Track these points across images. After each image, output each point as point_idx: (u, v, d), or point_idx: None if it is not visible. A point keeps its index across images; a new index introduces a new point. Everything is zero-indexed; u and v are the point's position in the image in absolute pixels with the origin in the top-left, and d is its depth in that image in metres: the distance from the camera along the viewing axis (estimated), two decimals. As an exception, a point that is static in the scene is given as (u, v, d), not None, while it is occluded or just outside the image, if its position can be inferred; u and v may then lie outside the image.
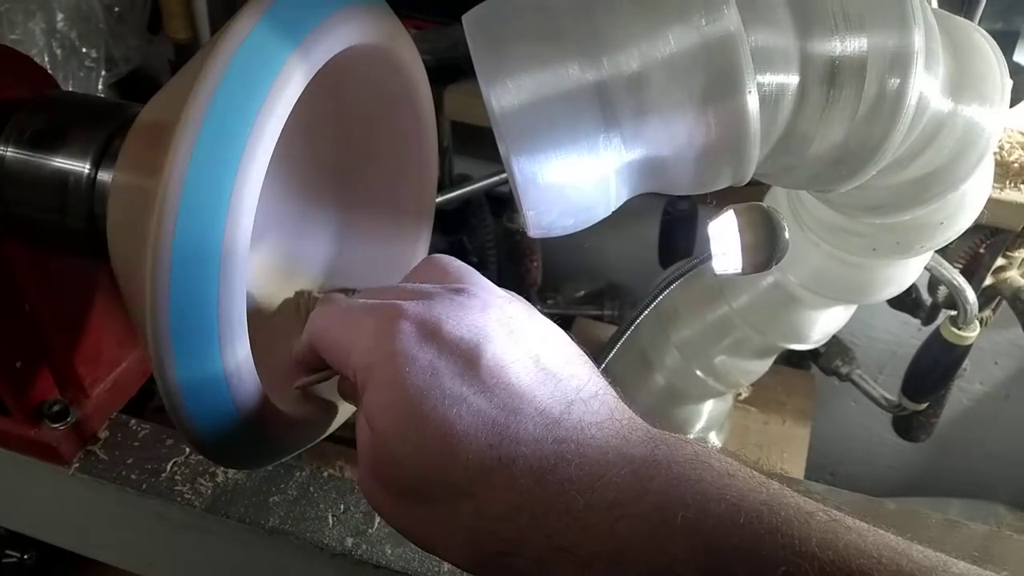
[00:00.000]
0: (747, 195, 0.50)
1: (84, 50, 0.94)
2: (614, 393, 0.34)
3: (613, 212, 0.41)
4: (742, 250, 0.40)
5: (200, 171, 0.31)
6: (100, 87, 0.98)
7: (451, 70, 0.96)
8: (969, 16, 0.67)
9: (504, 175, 0.86)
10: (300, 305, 0.47)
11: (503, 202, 1.01)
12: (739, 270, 0.40)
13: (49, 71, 0.50)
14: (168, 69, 1.13)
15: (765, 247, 0.40)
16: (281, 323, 0.45)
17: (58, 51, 0.91)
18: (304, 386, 0.38)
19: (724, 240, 0.41)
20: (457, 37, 0.96)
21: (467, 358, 0.32)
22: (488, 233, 1.05)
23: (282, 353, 0.39)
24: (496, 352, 0.32)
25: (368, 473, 0.32)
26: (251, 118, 0.32)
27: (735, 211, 0.41)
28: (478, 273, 0.38)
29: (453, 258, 0.39)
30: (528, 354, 0.33)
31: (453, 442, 0.30)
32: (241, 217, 0.32)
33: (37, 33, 0.90)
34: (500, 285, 0.37)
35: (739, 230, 0.40)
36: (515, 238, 1.00)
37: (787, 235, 0.40)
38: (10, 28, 0.89)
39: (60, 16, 0.92)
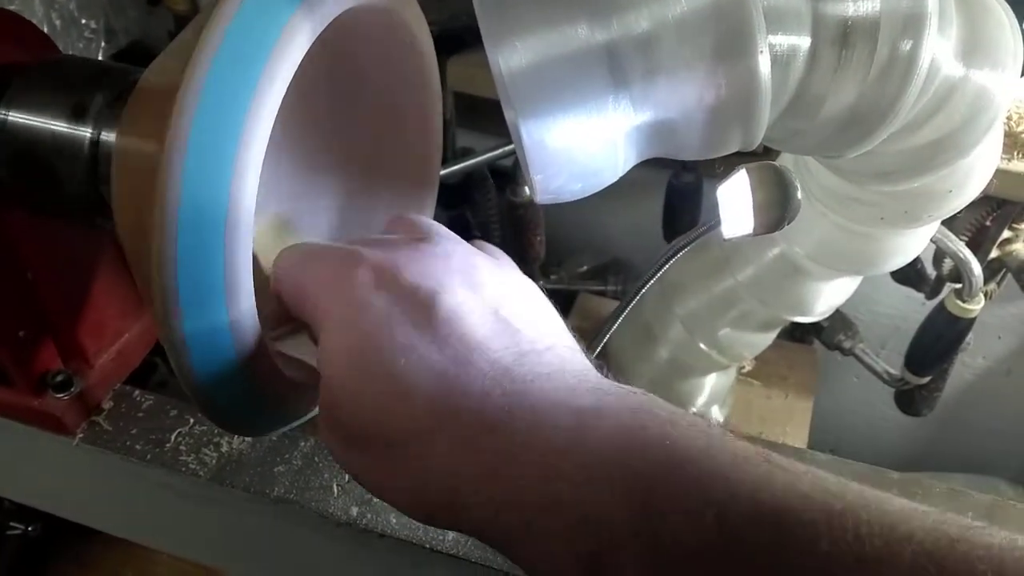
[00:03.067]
0: (750, 161, 0.50)
1: (83, 21, 0.93)
2: (572, 344, 0.33)
3: (616, 186, 0.41)
4: (754, 209, 0.40)
5: (204, 132, 0.30)
6: (100, 58, 0.98)
7: (453, 41, 0.95)
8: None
9: (508, 148, 0.86)
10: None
11: (506, 176, 1.00)
12: (750, 231, 0.40)
13: (49, 38, 0.49)
14: (168, 41, 1.12)
15: (777, 205, 0.39)
16: None
17: (57, 22, 0.90)
18: (275, 338, 0.38)
19: (734, 202, 0.41)
20: (458, 7, 0.95)
21: (422, 306, 0.31)
22: (491, 207, 1.05)
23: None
24: (453, 301, 0.32)
25: (323, 421, 0.32)
26: (255, 78, 0.31)
27: (747, 170, 0.40)
28: (446, 228, 0.38)
29: (422, 217, 0.39)
30: (486, 304, 0.32)
31: (400, 392, 0.30)
32: (246, 178, 0.31)
33: (36, 3, 0.89)
34: None
35: (751, 189, 0.39)
36: (519, 212, 1.00)
37: (800, 194, 0.40)
38: (8, -1, 0.88)
39: (59, -13, 0.91)
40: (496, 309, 0.32)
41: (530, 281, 0.36)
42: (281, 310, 0.36)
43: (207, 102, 0.30)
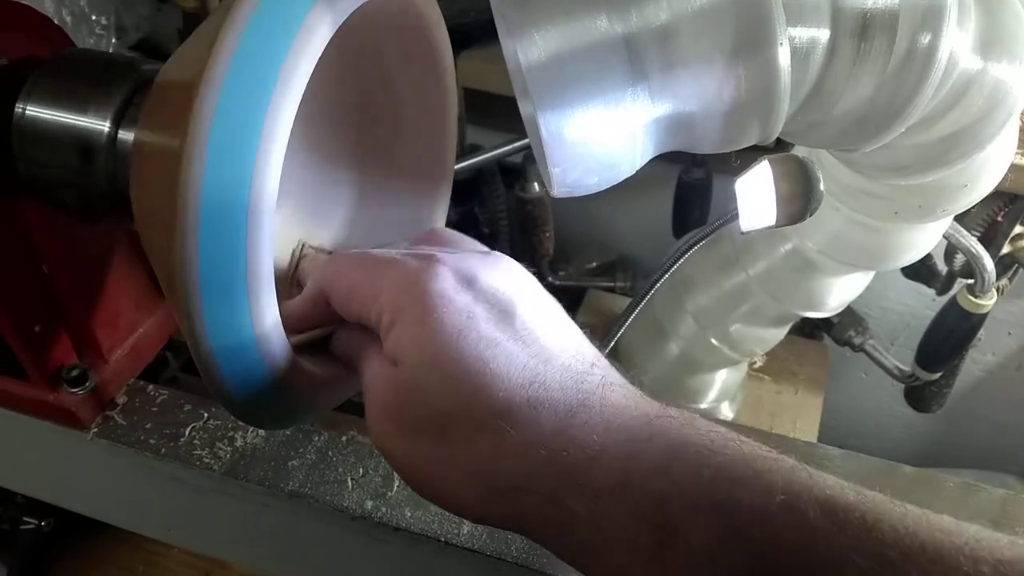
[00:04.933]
0: (764, 156, 0.50)
1: (94, 17, 0.93)
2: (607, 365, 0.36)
3: (625, 182, 0.41)
4: (777, 201, 0.40)
5: (225, 127, 0.30)
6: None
7: (463, 37, 0.95)
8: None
9: (517, 144, 0.86)
10: (293, 256, 0.46)
11: (515, 172, 1.00)
12: (772, 223, 0.40)
13: (60, 35, 0.49)
14: (177, 38, 1.12)
15: (801, 197, 0.39)
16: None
17: (68, 18, 0.90)
18: (297, 344, 0.38)
19: (755, 194, 0.41)
20: (468, 3, 0.95)
21: (503, 308, 0.33)
22: (500, 204, 1.05)
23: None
24: (529, 310, 0.34)
25: (383, 412, 0.33)
26: (276, 72, 0.31)
27: (770, 161, 0.40)
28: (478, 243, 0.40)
29: (455, 231, 0.40)
30: (552, 318, 0.35)
31: (486, 379, 0.31)
32: (268, 173, 0.31)
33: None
34: (512, 256, 0.38)
35: (775, 180, 0.39)
36: (527, 208, 1.00)
37: (822, 186, 0.39)
38: (19, -5, 0.88)
39: (69, -17, 0.92)
40: (557, 323, 0.35)
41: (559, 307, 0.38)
42: (309, 314, 0.36)
43: (228, 96, 0.30)
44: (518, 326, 0.33)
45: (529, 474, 0.30)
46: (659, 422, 0.31)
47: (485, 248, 0.39)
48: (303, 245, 0.46)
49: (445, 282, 0.33)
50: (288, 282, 0.45)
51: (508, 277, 0.35)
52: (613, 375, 0.33)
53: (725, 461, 0.29)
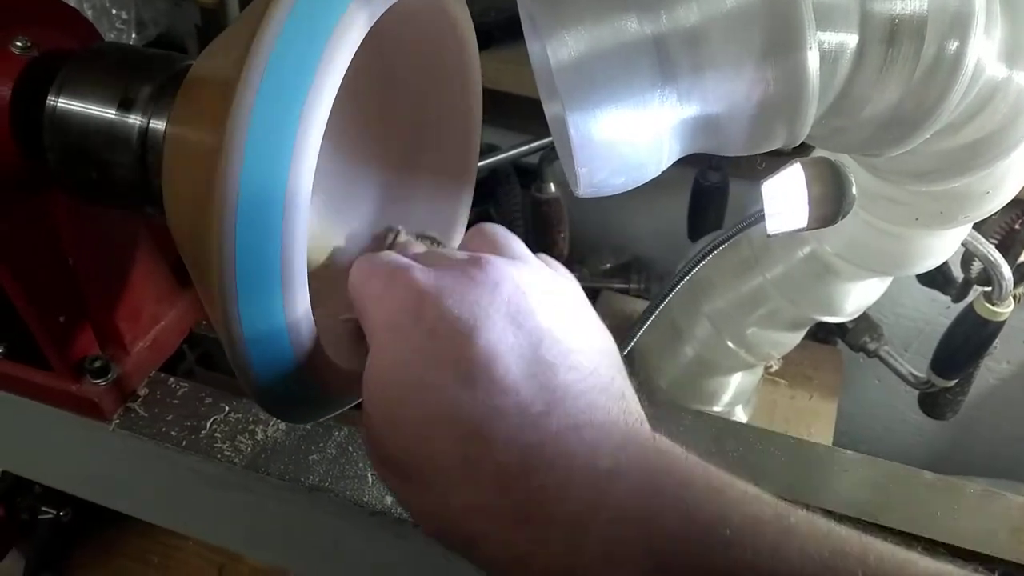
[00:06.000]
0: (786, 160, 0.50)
1: (114, 12, 0.94)
2: (614, 386, 0.32)
3: (642, 185, 0.41)
4: (809, 203, 0.40)
5: (263, 123, 0.31)
6: (133, 49, 0.99)
7: (482, 36, 0.95)
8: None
9: (533, 145, 0.86)
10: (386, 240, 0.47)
11: (531, 173, 1.01)
12: (803, 225, 0.40)
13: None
14: (195, 33, 1.13)
15: (833, 199, 0.39)
16: (327, 275, 0.45)
17: (89, 12, 0.91)
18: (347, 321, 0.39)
19: (785, 196, 0.41)
20: (488, 3, 0.95)
21: (459, 342, 0.30)
22: (515, 204, 1.05)
23: (329, 305, 0.39)
24: (490, 339, 0.31)
25: (364, 431, 0.33)
26: (312, 71, 0.32)
27: (801, 163, 0.40)
28: (517, 244, 0.37)
29: (499, 228, 0.38)
30: (527, 342, 0.31)
31: (426, 431, 0.30)
32: (303, 168, 0.32)
33: (69, -6, 0.90)
34: None
35: (807, 183, 0.39)
36: (543, 209, 1.00)
37: (854, 189, 0.40)
38: (42, -11, 0.89)
39: (91, -22, 0.92)
40: (537, 345, 0.31)
41: (586, 304, 0.36)
42: None
43: (266, 93, 0.31)
44: (471, 364, 0.30)
45: (472, 537, 0.29)
46: (606, 486, 0.28)
47: (512, 248, 0.37)
48: (398, 231, 0.47)
49: (405, 313, 0.32)
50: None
51: (478, 295, 0.32)
52: (581, 405, 0.30)
53: (670, 540, 0.27)
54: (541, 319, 0.32)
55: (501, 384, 0.30)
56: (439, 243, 0.48)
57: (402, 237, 0.47)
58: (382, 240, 0.47)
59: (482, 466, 0.29)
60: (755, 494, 0.28)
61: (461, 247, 0.39)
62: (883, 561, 0.25)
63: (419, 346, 0.31)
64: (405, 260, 0.35)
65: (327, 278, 0.44)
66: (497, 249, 0.37)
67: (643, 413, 0.32)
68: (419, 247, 0.45)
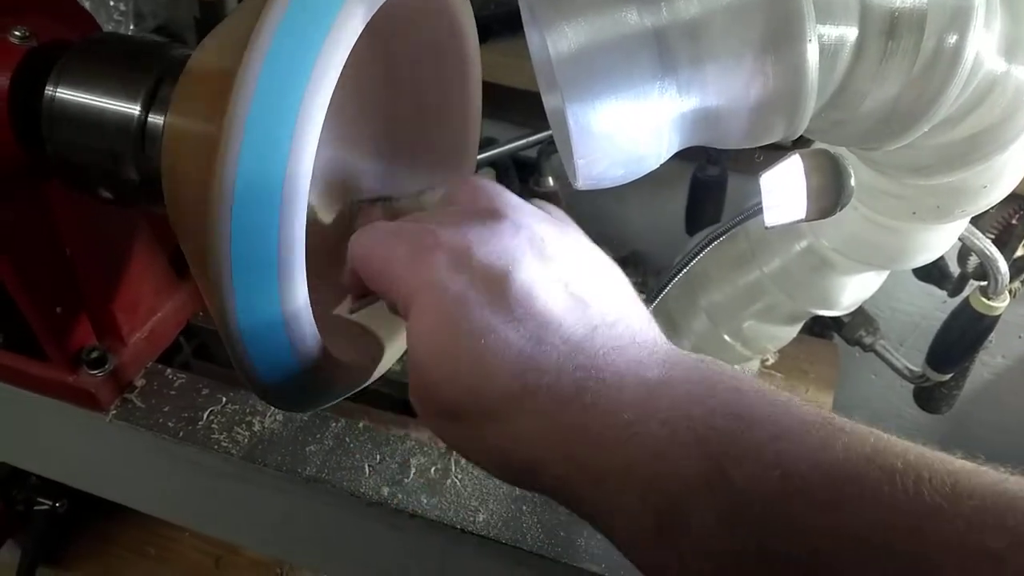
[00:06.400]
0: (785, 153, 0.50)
1: (112, 3, 0.94)
2: (641, 314, 0.35)
3: (639, 179, 0.41)
4: (808, 195, 0.40)
5: (262, 115, 0.31)
6: (131, 40, 0.99)
7: (481, 30, 0.95)
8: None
9: (532, 138, 0.86)
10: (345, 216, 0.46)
11: (530, 166, 1.00)
12: (802, 217, 0.40)
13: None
14: (193, 26, 1.12)
15: (832, 191, 0.40)
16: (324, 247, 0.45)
17: (87, 3, 0.91)
18: (355, 310, 0.39)
19: (782, 188, 0.41)
20: (488, -4, 0.95)
21: (497, 285, 0.32)
22: (513, 197, 1.05)
23: (322, 291, 0.39)
24: (525, 278, 0.33)
25: (413, 392, 0.34)
26: (311, 62, 0.32)
27: (801, 155, 0.40)
28: (511, 193, 0.38)
29: (488, 180, 0.39)
30: (558, 278, 0.34)
31: (482, 372, 0.31)
32: (302, 160, 0.32)
33: (66, -15, 0.90)
34: None
35: (806, 174, 0.39)
36: (541, 202, 1.00)
37: (853, 180, 0.40)
38: (39, -20, 0.89)
39: (89, -32, 0.92)
40: (567, 283, 0.33)
41: (594, 247, 0.38)
42: (357, 283, 0.37)
43: (265, 85, 0.31)
44: (512, 303, 0.32)
45: (534, 459, 0.31)
46: (657, 393, 0.30)
47: (506, 199, 0.38)
48: (353, 202, 0.46)
49: (440, 268, 0.33)
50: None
51: (505, 242, 0.34)
52: (619, 330, 0.32)
53: (721, 436, 0.28)
54: (564, 258, 0.35)
55: (544, 316, 0.32)
56: (394, 199, 0.47)
57: (397, 203, 0.46)
58: (372, 211, 0.47)
59: (538, 392, 0.31)
60: (802, 402, 0.30)
61: (450, 199, 0.39)
62: (923, 455, 0.27)
63: (461, 297, 0.32)
64: (415, 223, 0.36)
65: (324, 266, 0.44)
66: (492, 200, 0.37)
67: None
68: (379, 211, 0.45)
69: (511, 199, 0.37)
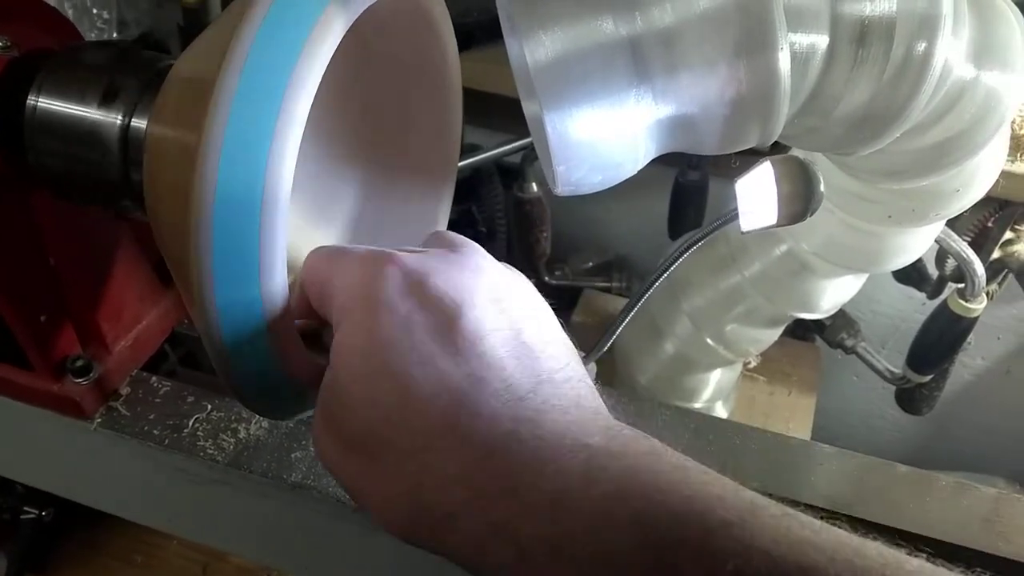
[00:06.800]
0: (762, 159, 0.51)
1: (95, 11, 0.94)
2: (588, 382, 0.33)
3: (621, 183, 0.42)
4: (778, 201, 0.41)
5: (241, 123, 0.31)
6: (115, 48, 0.99)
7: (463, 37, 0.96)
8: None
9: (515, 144, 0.87)
10: None
11: (513, 172, 1.01)
12: (773, 223, 0.41)
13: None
14: (177, 33, 1.12)
15: (802, 197, 0.40)
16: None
17: (70, 11, 0.91)
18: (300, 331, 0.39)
19: (756, 194, 0.42)
20: (469, 4, 0.96)
21: (447, 317, 0.31)
22: (498, 203, 1.05)
23: None
24: (477, 317, 0.31)
25: (321, 417, 0.32)
26: (289, 71, 0.32)
27: (771, 162, 0.41)
28: (478, 246, 0.37)
29: (457, 234, 0.38)
30: (510, 326, 0.32)
31: (409, 401, 0.29)
32: (282, 168, 0.32)
33: (49, -6, 0.90)
34: (509, 256, 0.37)
35: (776, 180, 0.40)
36: (525, 208, 1.01)
37: (822, 187, 0.41)
38: (21, -12, 0.89)
39: (72, -23, 0.92)
40: (519, 331, 0.32)
41: (547, 306, 0.36)
42: (301, 308, 0.37)
43: (244, 93, 0.31)
44: (458, 339, 0.30)
45: (450, 513, 0.29)
46: (598, 462, 0.28)
47: (473, 247, 0.37)
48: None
49: (390, 287, 0.31)
50: None
51: (464, 277, 0.32)
52: (565, 390, 0.31)
53: (667, 517, 0.26)
54: (520, 308, 0.33)
55: (489, 359, 0.30)
56: None
57: None
58: None
59: (468, 435, 0.29)
60: (747, 489, 0.28)
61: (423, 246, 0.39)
62: (880, 552, 0.26)
63: (406, 320, 0.31)
64: (380, 248, 0.35)
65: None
66: (460, 245, 0.37)
67: None
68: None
69: (479, 249, 0.37)
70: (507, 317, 0.32)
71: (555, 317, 0.36)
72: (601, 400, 0.32)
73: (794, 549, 0.25)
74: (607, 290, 1.12)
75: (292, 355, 0.36)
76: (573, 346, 0.35)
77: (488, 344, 0.31)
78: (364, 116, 0.48)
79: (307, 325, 0.39)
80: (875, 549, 0.26)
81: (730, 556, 0.25)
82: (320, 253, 0.36)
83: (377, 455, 0.30)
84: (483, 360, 0.30)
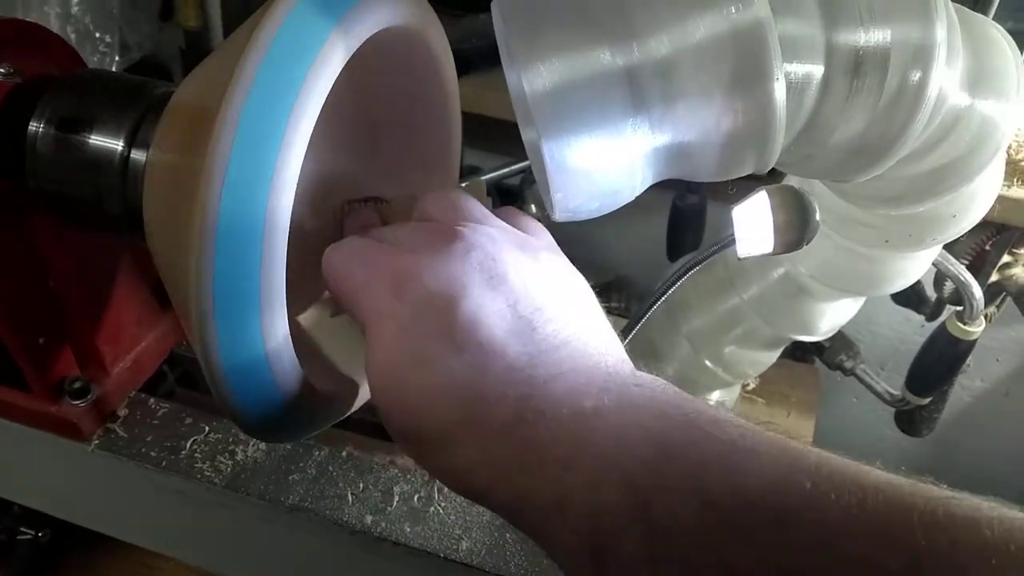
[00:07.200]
0: (758, 185, 0.51)
1: (98, 35, 0.95)
2: (589, 330, 0.35)
3: (622, 207, 0.42)
4: (774, 230, 0.41)
5: (243, 153, 0.31)
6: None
7: (461, 62, 0.97)
8: (983, 14, 0.68)
9: (514, 167, 0.87)
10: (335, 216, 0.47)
11: (512, 194, 1.02)
12: (769, 251, 0.41)
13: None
14: (179, 56, 1.13)
15: (797, 227, 0.41)
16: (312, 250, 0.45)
17: (72, 35, 0.92)
18: (336, 314, 0.39)
19: (751, 222, 0.42)
20: (468, 29, 0.96)
21: (441, 314, 0.33)
22: (497, 224, 1.06)
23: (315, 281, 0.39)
24: (470, 306, 0.33)
25: (379, 413, 0.35)
26: (293, 98, 0.33)
27: (767, 192, 0.41)
28: (479, 208, 0.39)
29: (459, 194, 0.39)
30: (505, 301, 0.33)
31: (427, 403, 0.32)
32: (283, 198, 0.32)
33: (52, 17, 0.91)
34: None
35: (772, 210, 0.40)
36: (523, 229, 1.01)
37: (818, 216, 0.41)
38: (25, 11, 0.90)
39: (75, 1, 0.93)
40: (514, 305, 0.33)
41: (554, 255, 0.38)
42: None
43: (247, 124, 0.31)
44: (457, 333, 0.32)
45: (481, 488, 0.32)
46: (591, 424, 0.30)
47: (474, 216, 0.38)
48: (344, 203, 0.46)
49: (388, 298, 0.33)
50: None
51: (452, 267, 0.34)
52: (562, 355, 0.32)
53: (650, 469, 0.29)
54: (514, 280, 0.34)
55: (487, 346, 0.32)
56: (386, 202, 0.47)
57: (388, 205, 0.46)
58: (363, 211, 0.46)
59: (480, 424, 0.31)
60: (722, 418, 0.30)
61: (421, 214, 0.39)
62: (832, 474, 0.27)
63: (407, 326, 0.33)
64: (377, 244, 0.36)
65: (314, 266, 0.44)
66: (457, 213, 0.38)
67: (622, 349, 0.35)
68: (370, 212, 0.45)
69: (476, 214, 0.38)
70: (500, 295, 0.34)
71: (562, 271, 0.38)
72: (602, 348, 0.34)
73: (760, 481, 0.28)
74: (607, 311, 1.12)
75: (292, 383, 0.36)
76: (578, 287, 0.37)
77: (485, 330, 0.32)
78: (365, 142, 0.49)
79: None
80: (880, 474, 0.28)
81: (698, 490, 0.28)
82: (335, 259, 0.37)
83: (421, 444, 0.33)
84: (482, 348, 0.32)
